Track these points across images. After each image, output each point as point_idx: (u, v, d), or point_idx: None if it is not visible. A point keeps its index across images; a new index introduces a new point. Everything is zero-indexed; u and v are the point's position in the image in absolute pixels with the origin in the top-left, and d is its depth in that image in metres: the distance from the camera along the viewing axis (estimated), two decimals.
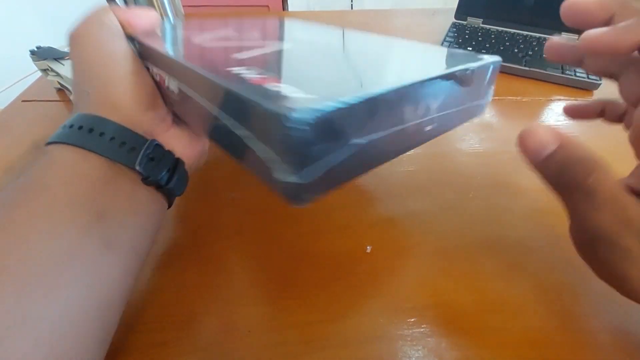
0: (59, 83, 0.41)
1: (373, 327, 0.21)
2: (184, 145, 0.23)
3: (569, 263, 0.25)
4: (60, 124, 0.20)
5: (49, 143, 0.19)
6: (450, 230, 0.27)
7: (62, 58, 0.41)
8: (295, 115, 0.10)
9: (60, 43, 0.43)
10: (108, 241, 0.17)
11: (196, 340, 0.21)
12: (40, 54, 0.40)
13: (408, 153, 0.18)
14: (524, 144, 0.17)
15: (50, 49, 0.41)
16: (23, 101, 0.42)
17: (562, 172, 0.16)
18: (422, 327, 0.21)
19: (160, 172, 0.21)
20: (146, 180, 0.20)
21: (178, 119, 0.24)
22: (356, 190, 0.31)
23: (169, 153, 0.22)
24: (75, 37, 0.21)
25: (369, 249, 0.26)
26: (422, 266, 0.25)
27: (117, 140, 0.19)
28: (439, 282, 0.24)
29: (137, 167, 0.19)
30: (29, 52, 0.41)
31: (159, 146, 0.21)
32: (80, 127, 0.19)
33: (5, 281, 0.14)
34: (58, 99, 0.43)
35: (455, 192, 0.31)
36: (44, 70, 0.42)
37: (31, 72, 0.47)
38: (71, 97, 0.39)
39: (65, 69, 0.39)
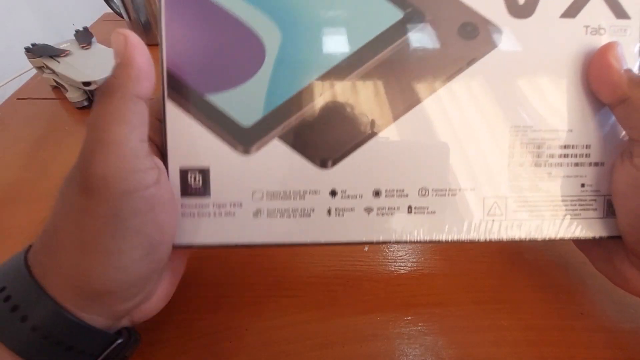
0: (55, 81, 0.41)
1: (370, 325, 0.21)
2: (159, 305, 0.19)
3: (566, 262, 0.25)
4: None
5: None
6: None
7: (58, 55, 0.40)
8: None
9: (55, 40, 0.43)
10: None
11: (194, 339, 0.21)
12: (36, 52, 0.40)
13: None
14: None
15: (45, 47, 0.41)
16: (18, 99, 0.42)
17: None
18: (419, 326, 0.21)
19: None
20: None
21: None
22: None
23: (134, 341, 0.18)
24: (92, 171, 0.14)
25: (366, 247, 0.26)
26: (419, 264, 0.25)
27: (86, 353, 0.15)
28: (436, 280, 0.24)
29: None
30: (24, 50, 0.40)
31: (123, 341, 0.17)
32: (45, 337, 0.14)
33: None
34: (53, 96, 0.42)
35: None
36: (39, 68, 0.41)
37: (26, 69, 0.46)
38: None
39: (60, 66, 0.39)
